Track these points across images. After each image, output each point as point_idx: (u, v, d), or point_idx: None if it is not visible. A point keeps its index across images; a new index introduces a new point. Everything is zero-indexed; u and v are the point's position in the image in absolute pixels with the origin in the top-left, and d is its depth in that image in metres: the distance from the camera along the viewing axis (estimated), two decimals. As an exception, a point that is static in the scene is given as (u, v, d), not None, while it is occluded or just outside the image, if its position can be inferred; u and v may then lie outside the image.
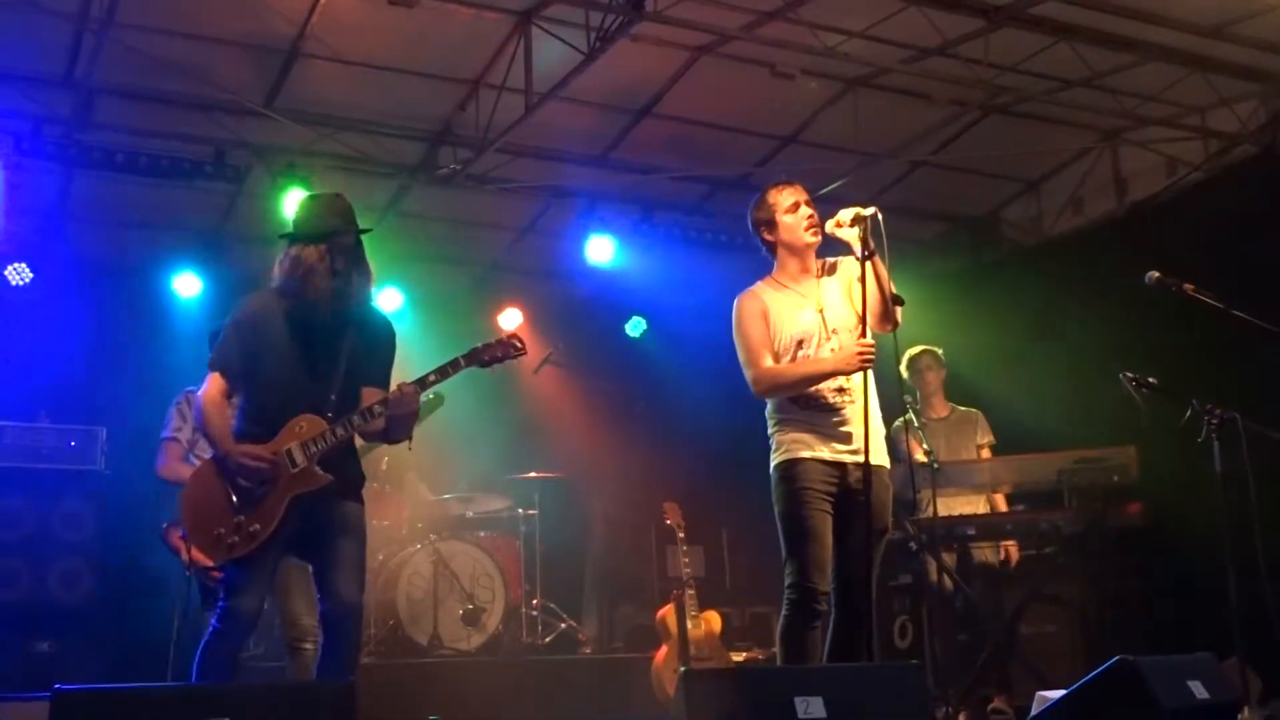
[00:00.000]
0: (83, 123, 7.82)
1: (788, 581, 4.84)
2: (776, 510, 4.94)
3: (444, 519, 9.17)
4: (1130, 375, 5.71)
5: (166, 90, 7.79)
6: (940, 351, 7.62)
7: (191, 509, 4.64)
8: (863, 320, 4.77)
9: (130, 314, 9.23)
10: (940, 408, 7.57)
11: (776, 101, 8.43)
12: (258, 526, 4.50)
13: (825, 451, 4.88)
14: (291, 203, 8.17)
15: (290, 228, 4.78)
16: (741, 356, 5.05)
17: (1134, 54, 7.66)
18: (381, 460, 8.43)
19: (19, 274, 8.91)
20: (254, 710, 3.26)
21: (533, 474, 9.32)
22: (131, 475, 7.97)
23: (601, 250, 9.54)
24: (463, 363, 4.77)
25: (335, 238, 4.69)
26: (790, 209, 5.08)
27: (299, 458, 4.56)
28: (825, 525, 4.84)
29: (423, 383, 4.68)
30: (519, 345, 4.88)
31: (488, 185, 8.93)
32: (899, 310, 4.86)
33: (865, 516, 4.70)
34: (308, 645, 5.69)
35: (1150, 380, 5.69)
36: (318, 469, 4.57)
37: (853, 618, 4.80)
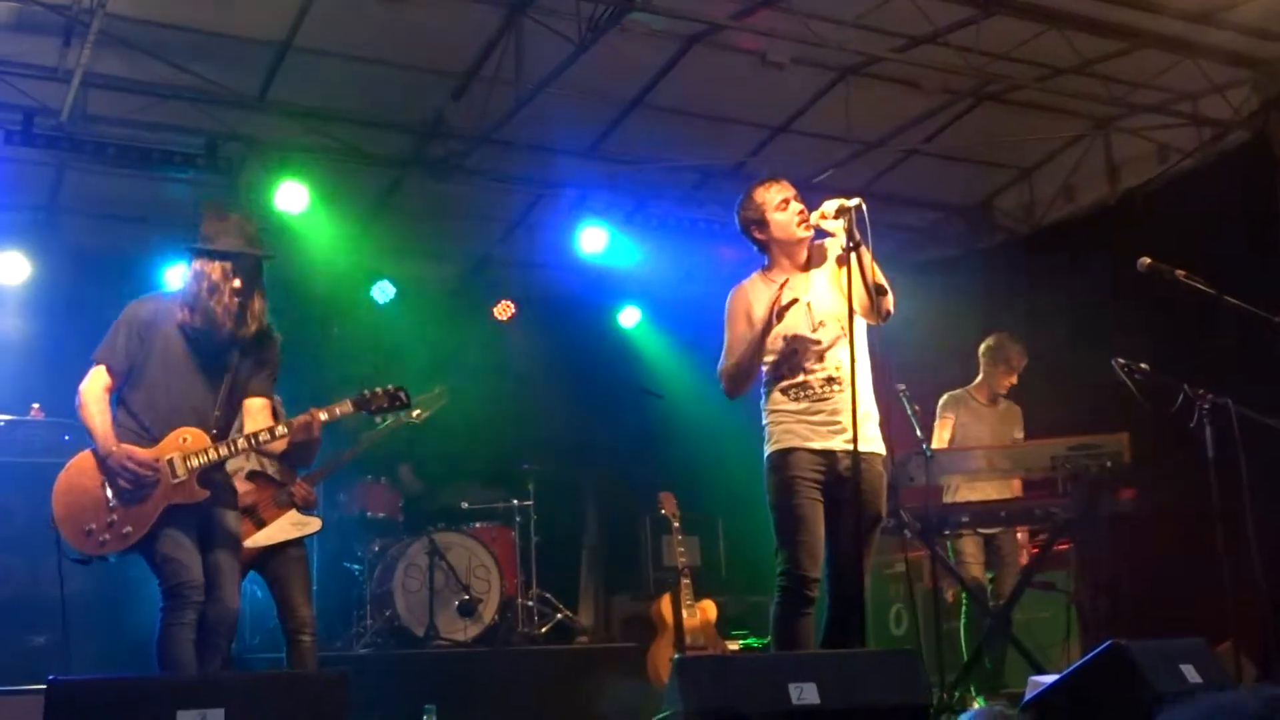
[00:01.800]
0: (75, 115, 7.81)
1: (779, 569, 4.86)
2: (769, 500, 4.96)
3: (439, 510, 9.18)
4: (1123, 362, 5.73)
5: (158, 82, 7.77)
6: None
7: (64, 501, 4.69)
8: (850, 309, 4.77)
9: (123, 306, 9.20)
10: (1000, 396, 7.55)
11: (768, 91, 8.43)
12: (129, 529, 4.62)
13: (814, 441, 4.90)
14: (285, 196, 8.20)
15: (203, 241, 4.87)
16: None
17: (1125, 41, 7.67)
18: (375, 453, 8.42)
19: (13, 266, 8.90)
20: (249, 701, 3.27)
21: (527, 465, 9.33)
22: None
23: (594, 241, 9.55)
24: (351, 407, 4.97)
25: (240, 259, 4.80)
26: (780, 206, 5.07)
27: (180, 469, 4.67)
28: (816, 513, 4.85)
29: (311, 419, 4.80)
30: (404, 399, 5.12)
31: (479, 177, 8.92)
32: (888, 300, 4.85)
33: (854, 505, 4.69)
34: (305, 636, 5.71)
35: (1142, 366, 5.71)
36: (196, 484, 4.69)
37: (845, 605, 4.82)
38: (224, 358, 4.84)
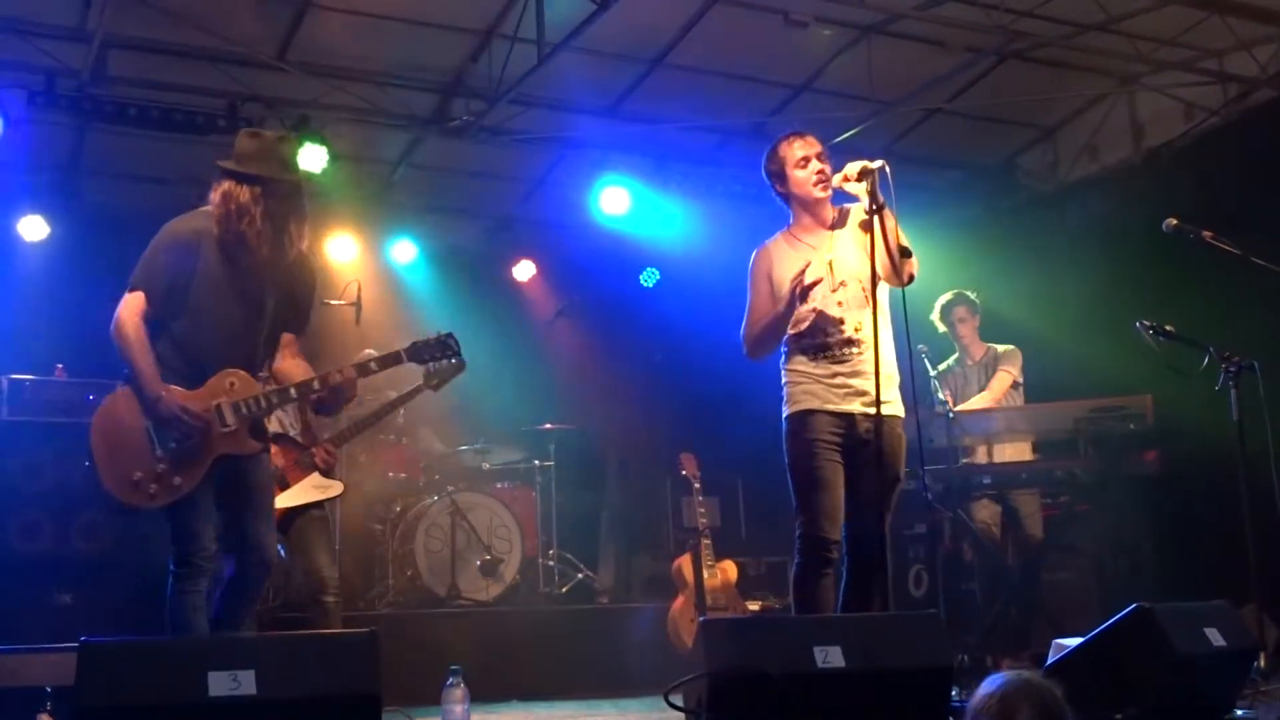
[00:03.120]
0: (95, 76, 7.80)
1: (799, 532, 4.87)
2: (788, 462, 4.97)
3: (460, 471, 9.21)
4: (1147, 323, 5.71)
5: (178, 44, 7.76)
6: (973, 295, 7.52)
7: (104, 444, 4.43)
8: (873, 270, 4.73)
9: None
10: (976, 351, 7.51)
11: (790, 49, 8.36)
12: (179, 480, 4.35)
13: (833, 403, 4.90)
14: (306, 156, 8.18)
15: (235, 162, 4.53)
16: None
17: (1152, -2, 7.59)
18: (398, 414, 8.45)
19: (35, 228, 8.93)
20: (277, 661, 3.29)
21: (548, 425, 9.35)
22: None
23: (615, 201, 9.51)
24: (404, 357, 4.82)
25: (271, 182, 4.48)
26: (799, 163, 5.04)
27: (230, 418, 4.42)
28: (836, 475, 4.85)
29: (364, 369, 4.65)
30: (454, 346, 4.94)
31: (500, 137, 8.88)
32: (911, 263, 4.83)
33: (874, 467, 4.68)
34: (329, 597, 5.75)
35: (1167, 328, 5.69)
36: (247, 434, 4.46)
37: (865, 567, 4.83)
38: (263, 285, 4.53)
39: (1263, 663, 5.11)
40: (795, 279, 4.81)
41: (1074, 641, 4.53)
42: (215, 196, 4.50)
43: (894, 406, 4.94)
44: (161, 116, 7.95)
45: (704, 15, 7.97)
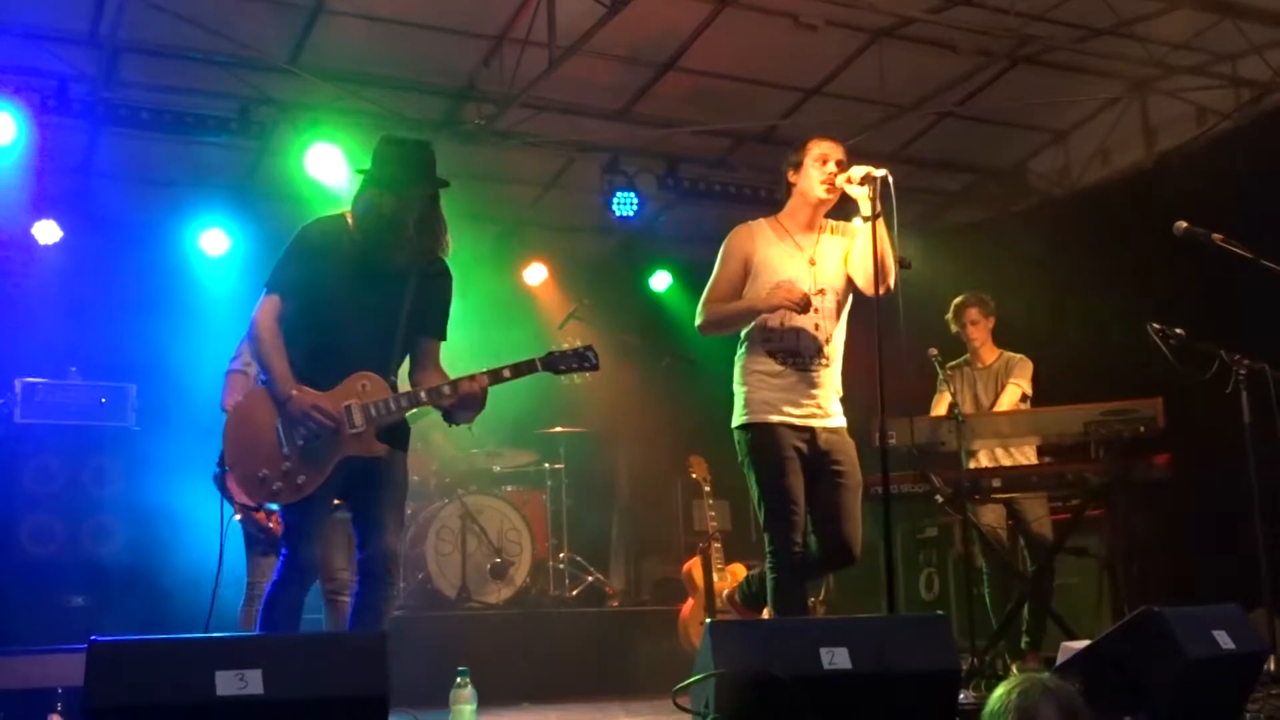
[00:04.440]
0: (108, 80, 7.83)
1: (773, 547, 4.99)
2: (753, 475, 5.06)
3: (471, 474, 9.22)
4: (1158, 326, 5.69)
5: (191, 47, 7.79)
6: (987, 298, 7.49)
7: (235, 440, 4.49)
8: (875, 277, 4.79)
9: (158, 271, 9.26)
10: (988, 355, 7.48)
11: (800, 53, 8.37)
12: (304, 479, 4.37)
13: (794, 415, 5.00)
14: (316, 159, 8.19)
15: (368, 166, 4.55)
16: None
17: (1163, 1, 7.57)
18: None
19: (48, 232, 8.96)
20: (288, 661, 3.29)
21: (559, 428, 9.35)
22: (161, 431, 8.06)
23: (626, 205, 9.52)
24: (539, 366, 4.68)
25: (415, 189, 4.49)
26: (819, 160, 5.10)
27: (359, 419, 4.40)
28: (800, 487, 5.00)
29: (497, 376, 4.56)
30: (592, 359, 4.77)
31: (511, 140, 8.90)
32: (893, 274, 4.88)
33: (843, 478, 5.04)
34: (344, 598, 5.74)
35: (1178, 331, 5.67)
36: (374, 437, 4.44)
37: (838, 564, 5.14)
38: (400, 296, 4.52)
39: (1273, 666, 5.09)
40: (801, 295, 4.90)
41: (1083, 644, 4.52)
42: (360, 206, 4.50)
43: (841, 419, 5.13)
44: (174, 120, 8.00)
45: (715, 19, 7.97)
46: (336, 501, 5.67)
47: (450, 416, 4.63)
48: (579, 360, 4.77)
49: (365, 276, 4.48)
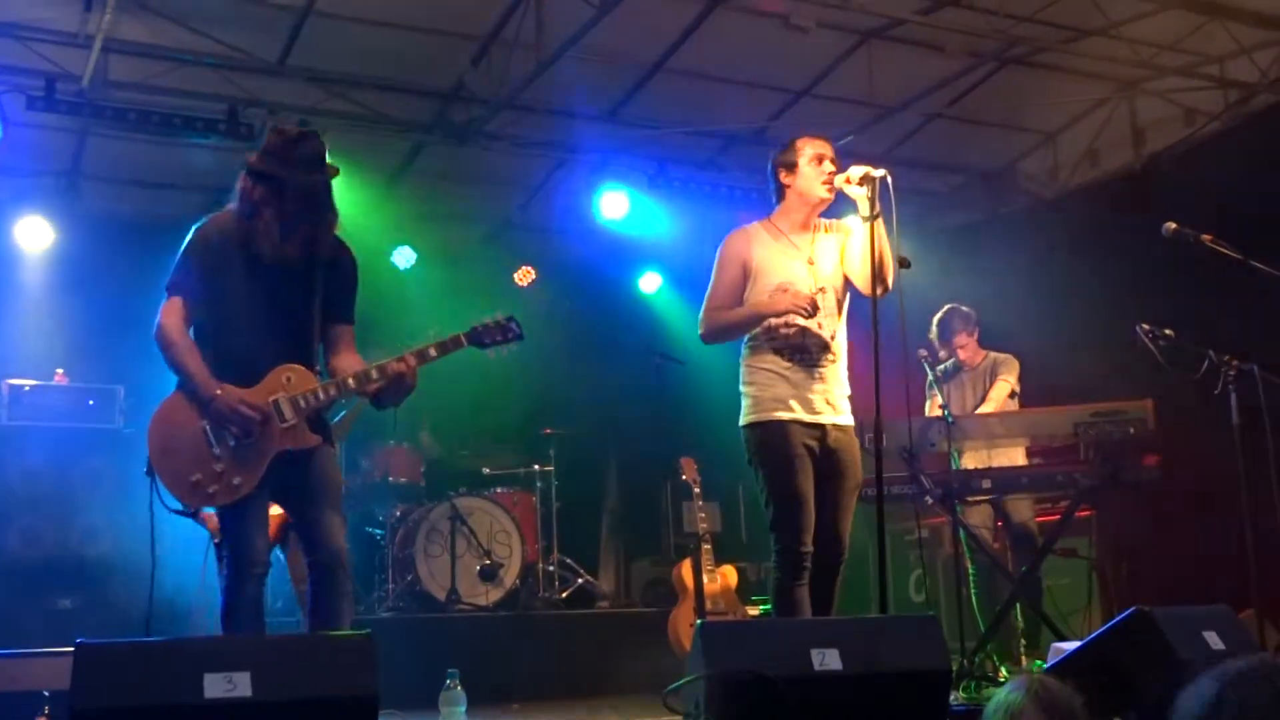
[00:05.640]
0: (96, 81, 7.80)
1: (780, 545, 4.96)
2: (762, 472, 5.04)
3: (460, 475, 9.20)
4: (1147, 327, 5.69)
5: (179, 49, 7.76)
6: (967, 309, 7.50)
7: (161, 446, 4.33)
8: (873, 278, 4.81)
9: (145, 272, 9.21)
10: (975, 359, 7.47)
11: (790, 55, 8.37)
12: (240, 479, 4.27)
13: (804, 413, 4.98)
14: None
15: (254, 160, 4.45)
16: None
17: (1151, 2, 7.59)
18: (394, 417, 8.44)
19: (35, 232, 8.92)
20: (275, 663, 3.28)
21: (548, 429, 9.34)
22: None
23: (615, 206, 9.52)
24: (464, 341, 4.59)
25: (291, 181, 4.36)
26: (814, 160, 5.10)
27: (289, 412, 4.32)
28: (810, 488, 4.98)
29: (423, 355, 4.47)
30: (515, 328, 4.70)
31: (500, 142, 8.90)
32: (891, 274, 4.89)
33: (843, 477, 5.03)
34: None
35: (1167, 332, 5.67)
36: (307, 428, 4.36)
37: (829, 569, 5.00)
38: (306, 285, 4.43)
39: (1262, 667, 5.08)
40: (809, 300, 4.90)
41: (1073, 645, 4.52)
42: (239, 191, 4.45)
43: (849, 416, 5.12)
44: (162, 121, 7.96)
45: (704, 20, 7.97)
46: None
47: (378, 401, 4.53)
48: (502, 332, 4.68)
49: (264, 270, 4.39)
